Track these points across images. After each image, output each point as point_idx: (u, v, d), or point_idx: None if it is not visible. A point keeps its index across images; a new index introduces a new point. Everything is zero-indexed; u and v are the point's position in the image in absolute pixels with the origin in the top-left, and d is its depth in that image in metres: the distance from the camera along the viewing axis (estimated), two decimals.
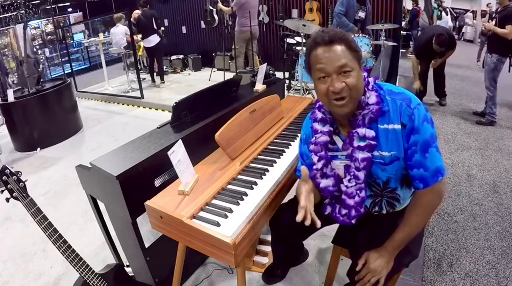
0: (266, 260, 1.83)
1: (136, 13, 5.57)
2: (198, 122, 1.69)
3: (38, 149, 3.79)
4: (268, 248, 1.89)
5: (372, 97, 1.06)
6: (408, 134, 1.04)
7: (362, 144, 1.08)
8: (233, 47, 5.30)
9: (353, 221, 1.18)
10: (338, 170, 1.19)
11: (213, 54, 6.67)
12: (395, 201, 1.18)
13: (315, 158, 1.20)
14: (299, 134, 1.73)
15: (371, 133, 1.07)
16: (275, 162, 1.49)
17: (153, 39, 5.64)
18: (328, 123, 1.17)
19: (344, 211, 1.19)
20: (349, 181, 1.14)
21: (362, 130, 1.07)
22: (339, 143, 1.17)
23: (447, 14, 9.04)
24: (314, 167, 1.20)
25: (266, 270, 1.73)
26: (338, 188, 1.19)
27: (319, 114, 1.19)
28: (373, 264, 1.11)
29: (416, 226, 1.11)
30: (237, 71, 5.30)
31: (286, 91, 3.76)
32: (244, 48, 5.33)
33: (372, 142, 1.07)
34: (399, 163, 1.08)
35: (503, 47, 3.52)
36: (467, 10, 12.05)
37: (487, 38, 3.79)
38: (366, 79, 1.09)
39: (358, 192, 1.13)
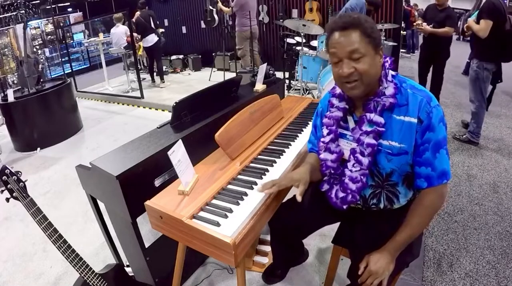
0: (266, 260, 1.83)
1: (137, 15, 5.58)
2: (198, 122, 1.69)
3: (38, 149, 3.79)
4: (268, 248, 1.89)
5: (390, 89, 1.08)
6: (424, 131, 1.05)
7: (369, 129, 1.10)
8: (236, 47, 5.29)
9: (344, 207, 1.21)
10: (344, 149, 1.21)
11: (213, 54, 6.67)
12: (394, 197, 1.18)
13: (325, 131, 1.23)
14: (299, 135, 1.74)
15: (379, 119, 1.09)
16: (275, 161, 1.49)
17: (151, 39, 5.66)
18: (344, 100, 1.20)
19: (341, 194, 1.20)
20: (353, 165, 1.15)
21: (371, 115, 1.10)
22: (351, 123, 1.19)
23: None
24: (322, 139, 1.23)
25: (266, 270, 1.73)
26: (337, 165, 1.21)
27: (338, 90, 1.22)
28: (374, 266, 1.10)
29: (418, 227, 1.11)
30: (238, 71, 5.30)
31: (286, 91, 3.76)
32: (248, 47, 5.33)
33: (380, 129, 1.08)
34: (406, 157, 1.09)
35: (483, 48, 2.94)
36: (467, 10, 12.04)
37: (470, 40, 3.20)
38: (386, 69, 1.10)
39: (362, 177, 1.15)
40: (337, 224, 1.40)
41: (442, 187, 1.08)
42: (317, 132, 1.34)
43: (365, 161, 1.12)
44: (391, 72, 1.12)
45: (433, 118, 1.04)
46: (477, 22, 2.90)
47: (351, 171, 1.16)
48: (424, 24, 3.83)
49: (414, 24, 3.87)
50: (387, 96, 1.08)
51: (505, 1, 3.40)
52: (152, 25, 5.65)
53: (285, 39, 5.06)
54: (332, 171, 1.22)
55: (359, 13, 1.09)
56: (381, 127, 1.08)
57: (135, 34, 5.59)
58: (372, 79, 1.07)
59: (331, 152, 1.21)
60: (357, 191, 1.16)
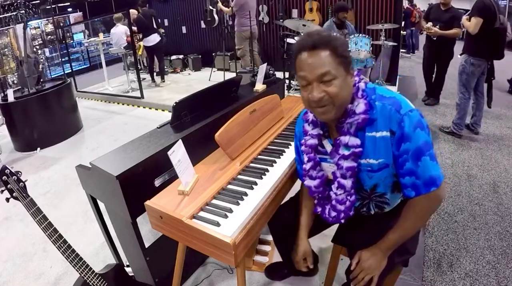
0: (266, 260, 1.83)
1: (134, 13, 5.55)
2: (198, 122, 1.69)
3: (38, 149, 3.79)
4: (268, 248, 1.89)
5: (360, 105, 1.03)
6: (398, 142, 1.00)
7: (346, 152, 1.06)
8: (235, 47, 5.29)
9: (342, 221, 1.20)
10: (327, 172, 1.20)
11: (213, 54, 6.67)
12: (384, 204, 1.19)
13: (305, 158, 1.22)
14: None
15: (355, 141, 1.04)
16: (275, 161, 1.49)
17: (153, 39, 5.65)
18: (318, 126, 1.17)
19: (333, 214, 1.20)
20: (337, 188, 1.15)
21: (345, 139, 1.06)
22: (328, 146, 1.17)
23: None
24: (304, 166, 1.23)
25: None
26: (322, 188, 1.22)
27: (310, 116, 1.19)
28: (365, 263, 1.11)
29: (411, 229, 1.09)
30: (238, 71, 5.29)
31: (286, 91, 3.76)
32: (248, 47, 5.33)
33: (357, 150, 1.05)
34: (388, 170, 1.07)
35: (472, 44, 3.10)
36: (467, 10, 12.03)
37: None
38: (357, 84, 1.06)
39: (349, 197, 1.14)
40: (337, 224, 1.40)
41: (435, 192, 1.00)
42: (299, 155, 1.30)
43: (348, 183, 1.10)
44: (361, 86, 1.05)
45: (405, 127, 0.97)
46: (469, 20, 3.04)
47: (336, 194, 1.15)
48: (430, 24, 3.85)
49: (424, 27, 3.85)
50: (358, 114, 1.02)
51: (505, 2, 3.43)
52: (154, 25, 5.64)
53: (285, 39, 5.05)
54: (320, 195, 1.23)
55: (326, 31, 1.02)
56: (358, 148, 1.04)
57: (134, 29, 5.56)
58: (344, 101, 1.02)
59: (313, 178, 1.21)
60: (347, 210, 1.16)
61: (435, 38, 3.96)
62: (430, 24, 3.87)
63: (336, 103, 1.00)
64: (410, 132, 0.98)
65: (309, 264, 1.28)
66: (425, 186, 1.00)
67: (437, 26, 3.83)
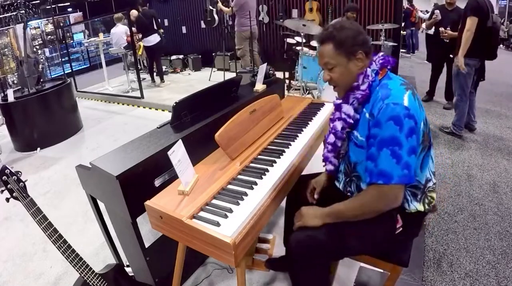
0: (266, 259, 1.82)
1: (134, 15, 5.54)
2: (198, 122, 1.69)
3: (38, 149, 3.79)
4: (268, 247, 1.89)
5: (364, 85, 1.17)
6: (372, 125, 1.10)
7: (342, 115, 1.22)
8: (235, 47, 5.29)
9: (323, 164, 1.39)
10: None
11: (213, 54, 6.67)
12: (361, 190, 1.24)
13: None
14: (299, 134, 1.74)
15: (348, 110, 1.19)
16: (275, 161, 1.49)
17: (153, 39, 5.65)
18: None
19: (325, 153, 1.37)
20: (329, 135, 1.32)
21: (344, 106, 1.22)
22: None
23: None
24: None
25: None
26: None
27: None
28: (302, 210, 1.23)
29: (350, 212, 1.15)
30: (238, 71, 5.29)
31: (286, 91, 3.76)
32: (248, 47, 5.33)
33: (348, 119, 1.20)
34: (365, 151, 1.16)
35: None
36: None
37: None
38: (372, 68, 1.17)
39: (332, 153, 1.32)
40: None
41: (383, 187, 1.06)
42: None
43: (333, 139, 1.26)
44: (368, 72, 1.16)
45: (380, 114, 1.07)
46: (463, 20, 3.03)
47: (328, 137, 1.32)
48: (440, 29, 3.85)
49: (442, 33, 3.81)
50: (360, 90, 1.17)
51: (505, 2, 3.41)
52: (155, 25, 5.64)
53: (285, 39, 5.05)
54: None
55: (339, 23, 1.19)
56: (349, 118, 1.19)
57: (134, 29, 5.55)
58: (347, 83, 1.19)
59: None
60: (327, 159, 1.34)
61: (447, 40, 3.95)
62: (442, 28, 3.84)
63: (340, 85, 1.22)
64: (382, 120, 1.06)
65: (315, 195, 1.39)
66: (377, 175, 1.07)
67: (448, 28, 3.83)
